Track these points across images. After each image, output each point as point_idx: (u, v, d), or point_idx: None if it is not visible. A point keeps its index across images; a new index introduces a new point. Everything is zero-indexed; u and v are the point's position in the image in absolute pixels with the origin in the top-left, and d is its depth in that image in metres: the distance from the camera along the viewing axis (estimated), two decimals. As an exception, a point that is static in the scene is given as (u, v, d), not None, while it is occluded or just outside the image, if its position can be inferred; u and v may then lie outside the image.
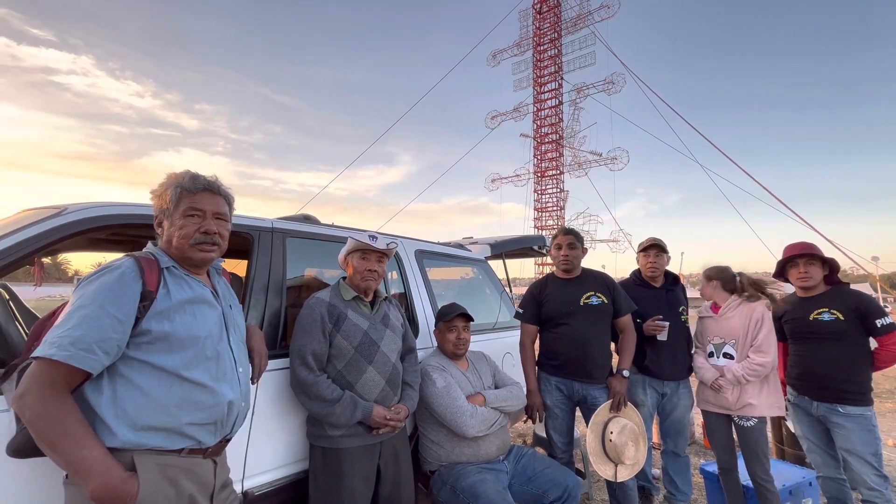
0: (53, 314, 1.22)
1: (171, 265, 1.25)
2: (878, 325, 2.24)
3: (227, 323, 1.33)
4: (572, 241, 2.56)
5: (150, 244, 1.31)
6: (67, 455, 1.00)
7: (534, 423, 2.54)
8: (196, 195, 1.28)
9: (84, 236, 1.59)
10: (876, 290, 22.36)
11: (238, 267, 2.50)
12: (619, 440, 2.23)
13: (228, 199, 1.38)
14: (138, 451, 1.10)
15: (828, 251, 2.49)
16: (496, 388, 2.36)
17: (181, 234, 1.25)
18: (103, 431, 1.07)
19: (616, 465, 2.27)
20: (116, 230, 1.84)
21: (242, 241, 1.95)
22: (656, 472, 3.41)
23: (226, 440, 1.30)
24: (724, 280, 2.58)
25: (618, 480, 2.27)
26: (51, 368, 1.01)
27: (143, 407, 1.11)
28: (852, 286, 2.46)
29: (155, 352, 1.14)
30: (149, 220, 1.37)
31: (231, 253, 2.49)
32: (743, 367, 2.39)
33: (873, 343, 2.33)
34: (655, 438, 3.85)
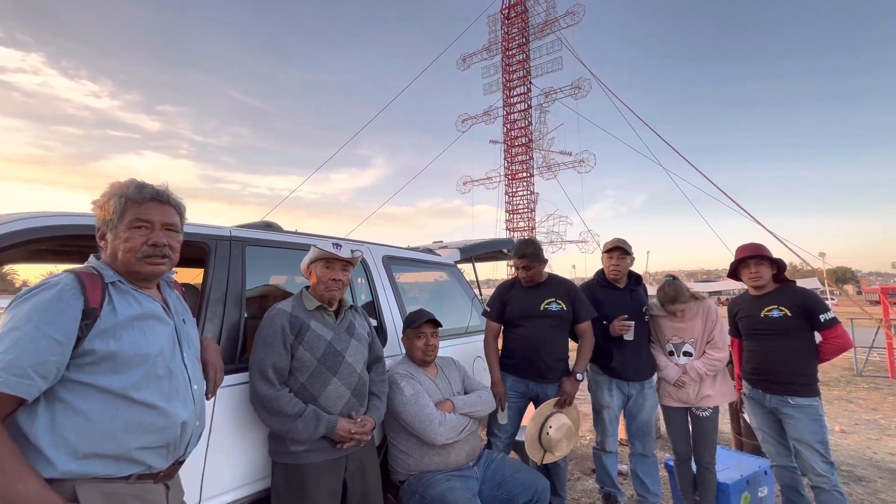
0: None
1: (116, 280, 1.18)
2: (822, 320, 2.39)
3: (179, 338, 1.26)
4: (526, 264, 2.64)
5: (92, 258, 1.23)
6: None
7: (500, 411, 2.57)
8: (143, 205, 1.21)
9: (20, 249, 1.49)
10: (823, 285, 23.76)
11: (198, 276, 2.40)
12: (555, 435, 2.41)
13: (179, 209, 1.31)
14: (81, 481, 1.02)
15: (778, 249, 2.65)
16: (465, 393, 2.36)
17: (127, 246, 1.18)
18: (40, 462, 0.99)
19: (545, 452, 2.46)
20: (59, 242, 1.73)
21: (198, 252, 1.87)
22: (623, 467, 3.50)
23: (179, 462, 1.23)
24: (688, 296, 2.67)
25: (541, 464, 2.50)
26: None
27: (85, 433, 1.03)
28: (802, 281, 2.61)
29: (99, 373, 1.07)
30: (90, 231, 1.29)
31: (189, 262, 2.39)
32: (703, 364, 2.56)
33: (818, 337, 2.48)
34: (622, 435, 3.95)
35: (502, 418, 2.53)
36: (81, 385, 1.05)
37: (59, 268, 1.19)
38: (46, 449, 1.00)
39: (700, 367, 2.56)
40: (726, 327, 2.69)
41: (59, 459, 1.00)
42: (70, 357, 1.04)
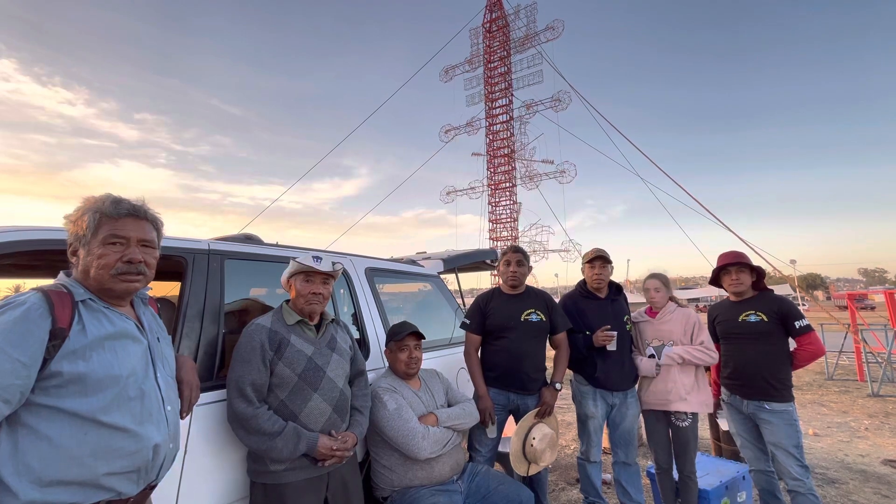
0: None
1: (87, 297, 1.14)
2: (797, 327, 2.47)
3: (153, 358, 1.22)
4: (520, 258, 2.70)
5: (61, 274, 1.19)
6: None
7: (485, 426, 2.55)
8: (118, 221, 1.18)
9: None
10: (795, 291, 24.60)
11: (174, 289, 2.34)
12: (539, 446, 2.43)
13: (156, 224, 1.28)
14: None
15: (751, 256, 2.75)
16: (449, 405, 2.34)
17: (100, 263, 1.14)
18: (1, 491, 0.94)
19: (529, 464, 2.49)
20: (27, 256, 1.66)
21: (175, 266, 1.83)
22: (607, 476, 3.51)
23: (151, 487, 1.19)
24: (669, 288, 2.83)
25: (528, 475, 2.53)
26: None
27: (50, 459, 0.99)
28: (775, 288, 2.70)
29: (66, 395, 1.03)
30: (61, 246, 1.24)
31: (166, 275, 2.33)
32: (693, 347, 2.60)
33: (793, 344, 2.55)
34: (605, 444, 3.97)
35: (491, 432, 2.51)
36: (47, 409, 1.01)
37: (27, 283, 1.15)
38: (8, 477, 0.96)
39: (679, 351, 2.59)
40: None
41: (21, 488, 0.96)
42: (35, 380, 1.00)
